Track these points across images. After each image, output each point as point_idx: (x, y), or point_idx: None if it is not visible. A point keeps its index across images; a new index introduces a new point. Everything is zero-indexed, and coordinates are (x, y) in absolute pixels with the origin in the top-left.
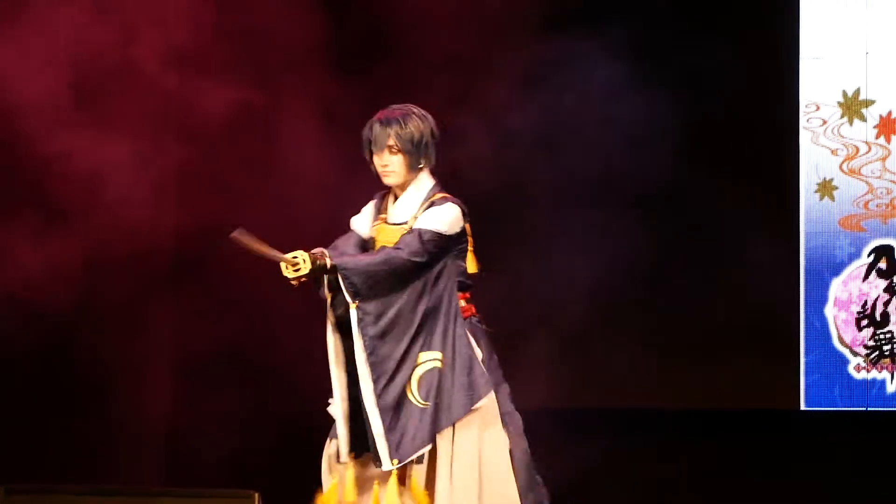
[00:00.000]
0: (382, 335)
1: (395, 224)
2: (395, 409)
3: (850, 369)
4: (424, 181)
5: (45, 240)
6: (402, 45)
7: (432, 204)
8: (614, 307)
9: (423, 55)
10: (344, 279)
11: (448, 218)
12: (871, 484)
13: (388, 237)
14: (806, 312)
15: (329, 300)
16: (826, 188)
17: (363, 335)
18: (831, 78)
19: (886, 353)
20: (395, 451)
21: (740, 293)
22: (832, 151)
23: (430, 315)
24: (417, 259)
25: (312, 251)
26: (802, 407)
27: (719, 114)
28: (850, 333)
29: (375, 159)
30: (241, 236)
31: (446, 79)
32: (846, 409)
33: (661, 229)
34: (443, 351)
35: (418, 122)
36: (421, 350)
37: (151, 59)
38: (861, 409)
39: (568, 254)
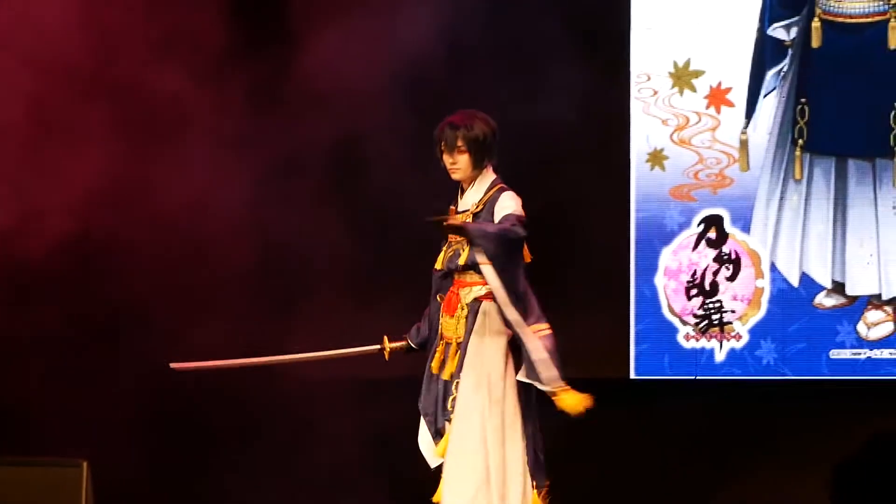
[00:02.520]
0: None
1: (462, 212)
2: None
3: (680, 338)
4: (488, 175)
5: None
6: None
7: (499, 191)
8: None
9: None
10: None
11: (518, 202)
12: (699, 451)
13: None
14: (636, 281)
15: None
16: (657, 158)
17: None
18: (662, 48)
19: (715, 322)
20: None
21: (570, 262)
22: (663, 121)
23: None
24: (523, 234)
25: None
26: (632, 375)
27: (550, 83)
28: (679, 302)
29: (445, 158)
30: None
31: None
32: (675, 377)
33: None
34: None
35: (482, 126)
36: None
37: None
38: (690, 377)
39: None
